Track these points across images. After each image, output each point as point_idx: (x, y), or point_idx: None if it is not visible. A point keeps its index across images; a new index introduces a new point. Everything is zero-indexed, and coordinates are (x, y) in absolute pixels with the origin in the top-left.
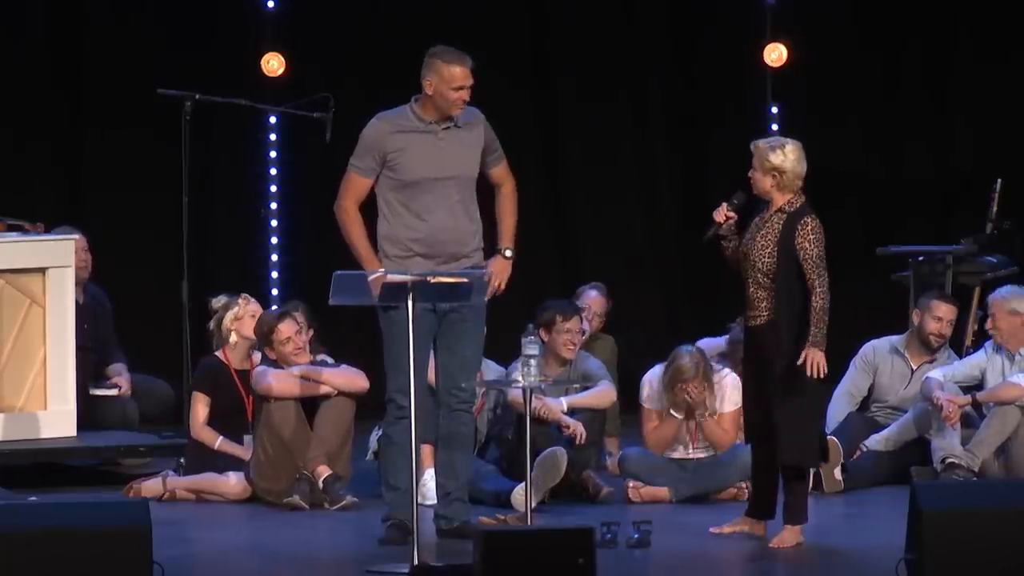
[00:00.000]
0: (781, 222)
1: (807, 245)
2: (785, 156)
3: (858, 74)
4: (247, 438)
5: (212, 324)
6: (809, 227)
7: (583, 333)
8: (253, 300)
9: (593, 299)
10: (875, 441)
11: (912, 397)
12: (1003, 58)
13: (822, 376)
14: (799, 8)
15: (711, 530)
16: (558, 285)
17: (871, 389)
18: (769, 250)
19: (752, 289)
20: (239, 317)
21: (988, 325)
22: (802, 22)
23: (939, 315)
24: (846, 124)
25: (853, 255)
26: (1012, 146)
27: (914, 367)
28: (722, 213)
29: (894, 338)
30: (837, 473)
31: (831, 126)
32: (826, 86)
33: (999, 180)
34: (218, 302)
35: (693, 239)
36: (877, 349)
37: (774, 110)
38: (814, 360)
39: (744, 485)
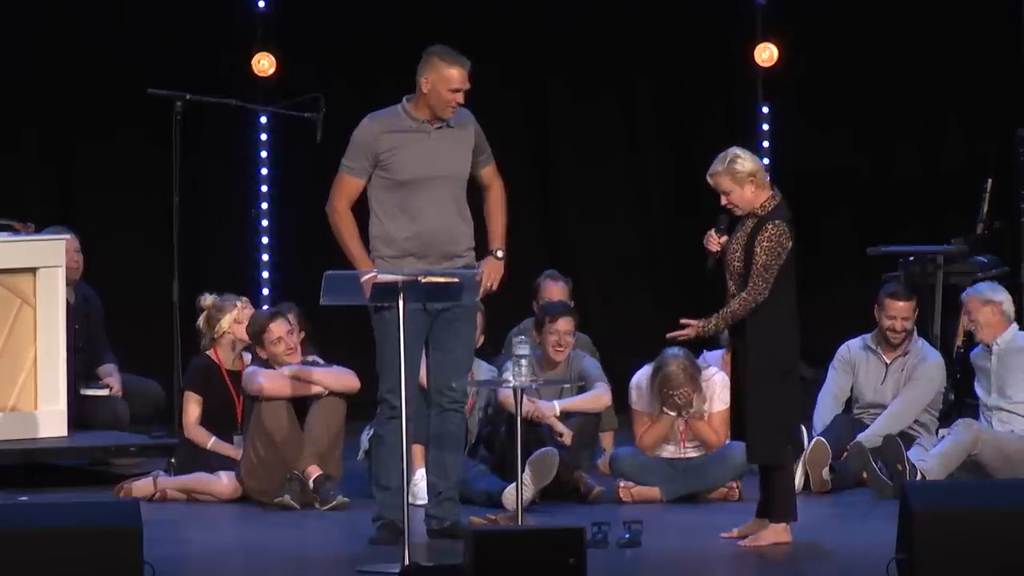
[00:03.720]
0: (753, 224)
1: (758, 250)
2: (744, 159)
3: (849, 74)
4: (236, 438)
5: (201, 322)
6: (768, 232)
7: (573, 334)
8: (249, 303)
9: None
10: (866, 439)
11: (890, 392)
12: (993, 58)
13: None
14: (790, 8)
15: (722, 536)
16: None
17: (852, 389)
18: (739, 253)
19: (731, 291)
20: (239, 321)
21: (966, 322)
22: (793, 22)
23: (892, 314)
24: (837, 124)
25: (844, 255)
26: (1002, 146)
27: (888, 361)
28: (714, 241)
29: (865, 336)
30: (825, 473)
31: (822, 126)
32: (817, 86)
33: (989, 180)
34: (205, 300)
35: (683, 239)
36: (852, 348)
37: (764, 110)
38: (684, 330)
39: (735, 485)
